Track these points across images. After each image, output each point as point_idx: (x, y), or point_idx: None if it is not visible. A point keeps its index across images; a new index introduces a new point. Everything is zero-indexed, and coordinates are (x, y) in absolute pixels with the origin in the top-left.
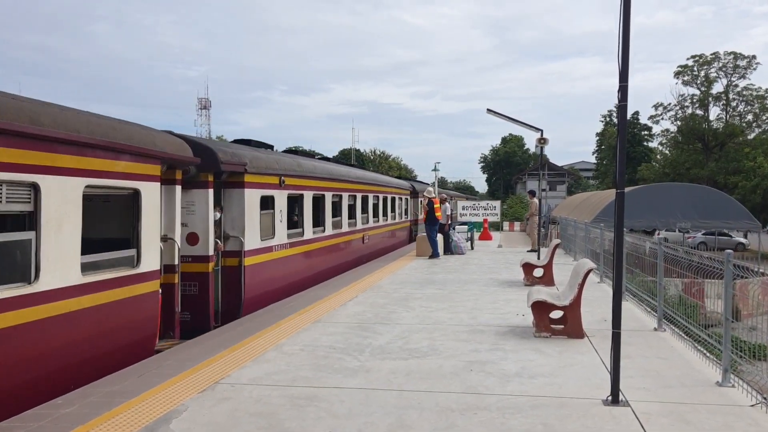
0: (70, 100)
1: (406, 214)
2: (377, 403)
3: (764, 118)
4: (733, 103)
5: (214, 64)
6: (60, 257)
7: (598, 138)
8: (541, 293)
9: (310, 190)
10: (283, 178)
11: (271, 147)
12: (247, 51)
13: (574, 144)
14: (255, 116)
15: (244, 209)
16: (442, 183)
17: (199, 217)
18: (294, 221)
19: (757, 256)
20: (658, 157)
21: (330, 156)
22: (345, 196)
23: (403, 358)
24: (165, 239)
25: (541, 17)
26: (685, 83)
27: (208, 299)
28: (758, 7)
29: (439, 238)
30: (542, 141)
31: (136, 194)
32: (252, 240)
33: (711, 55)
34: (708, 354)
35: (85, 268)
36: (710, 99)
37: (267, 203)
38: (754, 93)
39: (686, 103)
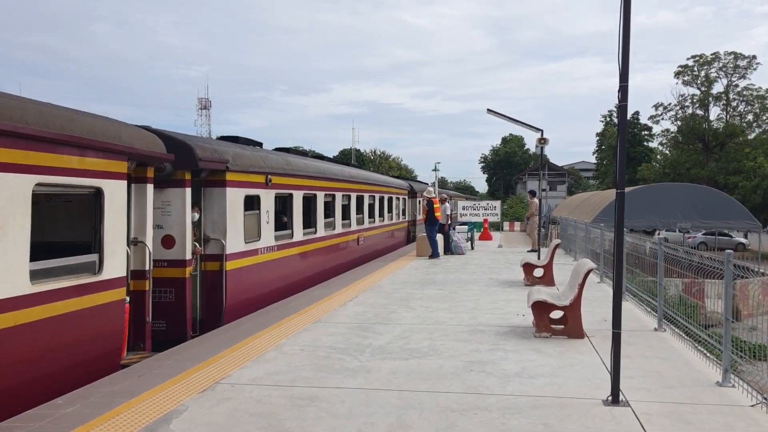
0: (70, 101)
1: (403, 214)
2: (377, 403)
3: (764, 118)
4: (734, 103)
5: (214, 64)
6: (3, 264)
7: (598, 138)
8: (542, 293)
9: (300, 190)
10: (270, 176)
11: (260, 144)
12: (248, 51)
13: (574, 144)
14: (255, 116)
15: (225, 210)
16: (443, 183)
17: (176, 219)
18: (282, 222)
19: (758, 256)
20: (658, 157)
21: (330, 156)
22: (338, 195)
23: (404, 358)
24: (135, 242)
25: (542, 17)
26: (686, 83)
27: (185, 307)
28: (759, 7)
29: (439, 238)
30: (542, 141)
31: (98, 193)
32: (235, 242)
33: (711, 55)
34: (708, 354)
35: (35, 275)
36: (710, 99)
37: (252, 203)
38: (755, 93)
39: (686, 103)
